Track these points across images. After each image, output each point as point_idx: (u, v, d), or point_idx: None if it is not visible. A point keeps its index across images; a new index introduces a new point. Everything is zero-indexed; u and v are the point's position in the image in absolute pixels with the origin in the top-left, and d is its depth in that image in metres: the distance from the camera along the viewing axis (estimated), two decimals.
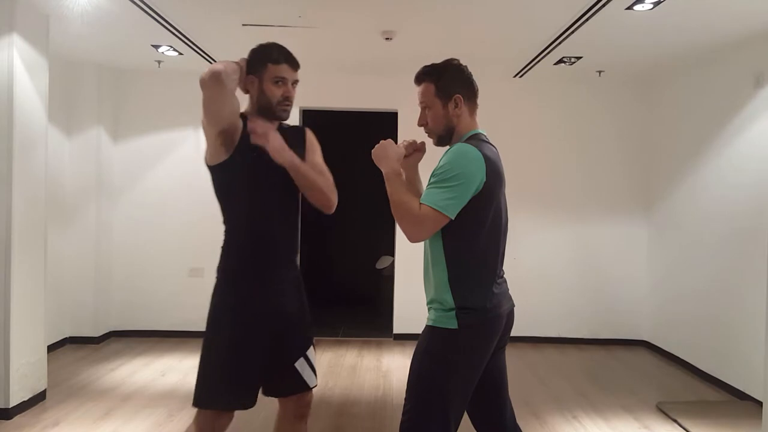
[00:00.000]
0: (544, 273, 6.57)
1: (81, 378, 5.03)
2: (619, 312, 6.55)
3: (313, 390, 2.58)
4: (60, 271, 5.87)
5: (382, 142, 2.31)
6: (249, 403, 2.42)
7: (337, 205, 2.64)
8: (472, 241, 2.20)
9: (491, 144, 2.31)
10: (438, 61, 2.43)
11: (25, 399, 4.28)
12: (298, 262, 2.64)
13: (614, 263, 6.57)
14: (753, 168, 4.73)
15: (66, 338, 6.10)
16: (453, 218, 2.11)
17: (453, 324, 2.17)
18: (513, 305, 2.38)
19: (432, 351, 2.21)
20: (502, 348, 2.41)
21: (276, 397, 2.56)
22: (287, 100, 2.44)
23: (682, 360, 5.70)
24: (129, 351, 5.91)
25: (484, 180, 2.13)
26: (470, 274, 2.21)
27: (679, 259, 5.86)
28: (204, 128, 2.38)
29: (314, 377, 2.56)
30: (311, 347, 2.57)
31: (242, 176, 2.41)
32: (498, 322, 2.24)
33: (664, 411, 4.41)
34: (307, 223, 7.47)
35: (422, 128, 2.39)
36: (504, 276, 2.36)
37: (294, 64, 2.46)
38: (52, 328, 5.49)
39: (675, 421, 4.23)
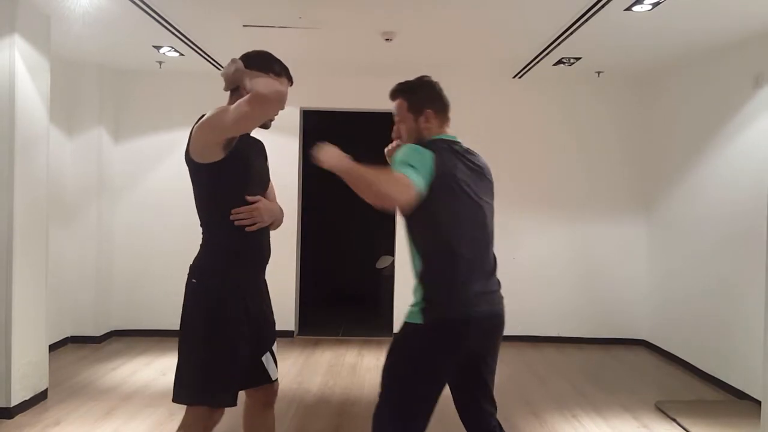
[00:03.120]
0: (544, 272, 6.59)
1: (82, 377, 5.05)
2: (618, 311, 6.57)
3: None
4: (61, 270, 5.89)
5: (321, 146, 2.25)
6: (232, 399, 2.46)
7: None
8: (436, 237, 2.26)
9: (457, 145, 2.37)
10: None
11: (27, 398, 4.29)
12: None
13: (614, 263, 6.59)
14: (752, 168, 4.74)
15: (67, 338, 6.13)
16: (422, 189, 2.15)
17: (419, 319, 2.23)
18: (498, 310, 2.35)
19: (398, 345, 2.31)
20: (486, 355, 2.38)
21: (243, 388, 2.60)
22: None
23: (682, 359, 5.71)
24: (130, 350, 5.94)
25: (433, 169, 2.20)
26: (438, 272, 2.25)
27: (678, 258, 5.88)
28: (213, 129, 2.31)
29: (276, 370, 2.64)
30: (275, 342, 2.66)
31: (237, 176, 2.42)
32: (468, 324, 2.24)
33: (663, 410, 4.43)
34: (308, 223, 7.52)
35: (397, 141, 2.50)
36: (493, 279, 2.36)
37: (291, 80, 2.55)
38: (53, 327, 5.50)
39: (674, 420, 4.25)
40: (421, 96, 2.42)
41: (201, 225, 2.52)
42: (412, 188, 2.12)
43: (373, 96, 6.86)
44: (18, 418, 4.13)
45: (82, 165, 6.18)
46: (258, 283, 2.60)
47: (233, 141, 2.37)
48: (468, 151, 2.41)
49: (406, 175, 2.13)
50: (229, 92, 2.49)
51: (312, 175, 7.50)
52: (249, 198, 2.45)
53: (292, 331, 6.61)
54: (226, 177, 2.41)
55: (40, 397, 4.45)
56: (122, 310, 6.50)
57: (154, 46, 5.40)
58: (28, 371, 4.33)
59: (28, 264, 4.31)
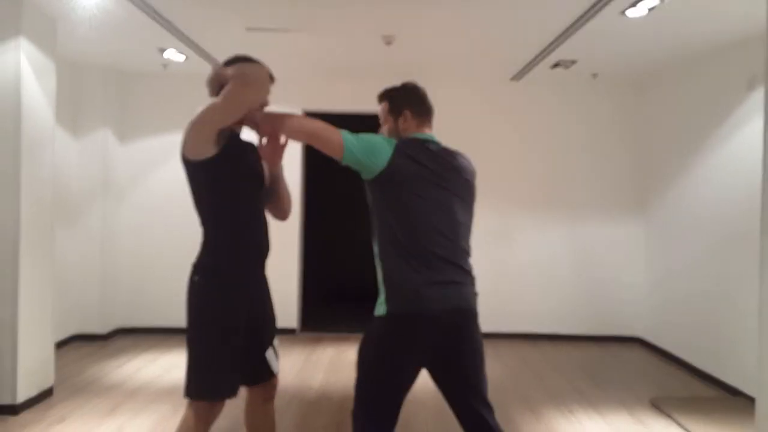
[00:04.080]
0: (542, 271, 6.66)
1: (88, 374, 5.11)
2: (614, 309, 6.64)
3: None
4: (67, 269, 5.96)
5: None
6: (237, 391, 2.55)
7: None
8: (389, 226, 2.34)
9: (431, 144, 2.46)
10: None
11: (32, 395, 4.34)
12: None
13: (610, 262, 6.65)
14: (746, 169, 4.79)
15: (73, 335, 6.19)
16: (343, 156, 2.31)
17: (382, 311, 2.33)
18: (459, 305, 2.36)
19: (364, 337, 2.41)
20: (456, 352, 2.38)
21: (248, 385, 2.70)
22: (262, 108, 2.60)
23: (677, 357, 5.78)
24: (135, 347, 6.00)
25: (390, 158, 2.31)
26: (390, 262, 2.34)
27: (674, 258, 5.94)
28: (204, 123, 2.40)
29: (277, 365, 2.73)
30: (275, 337, 2.74)
31: (230, 173, 2.49)
32: (419, 319, 2.29)
33: (659, 406, 4.49)
34: (310, 221, 7.58)
35: None
36: (459, 272, 2.37)
37: (273, 79, 2.61)
38: (59, 325, 5.54)
39: (669, 416, 4.31)
40: (402, 99, 2.55)
41: (200, 224, 2.59)
42: (338, 136, 2.33)
43: (373, 98, 6.91)
44: (24, 414, 4.18)
45: (87, 166, 6.26)
46: (258, 278, 2.66)
47: (224, 135, 2.45)
48: (445, 150, 2.48)
49: (340, 132, 2.33)
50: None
51: (314, 174, 7.59)
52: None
53: (294, 329, 6.68)
54: (219, 174, 2.48)
55: (46, 394, 4.49)
56: (127, 307, 6.57)
57: (158, 49, 5.46)
58: (34, 368, 4.37)
59: (34, 263, 4.37)
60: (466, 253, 2.43)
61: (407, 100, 2.55)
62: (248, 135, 2.65)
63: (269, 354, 2.66)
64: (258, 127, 2.57)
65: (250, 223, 2.59)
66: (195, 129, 2.43)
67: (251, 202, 2.61)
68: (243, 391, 2.83)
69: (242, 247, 2.57)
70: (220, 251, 2.55)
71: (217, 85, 2.51)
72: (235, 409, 3.25)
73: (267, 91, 2.46)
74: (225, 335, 2.49)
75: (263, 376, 2.68)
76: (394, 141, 2.39)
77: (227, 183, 2.51)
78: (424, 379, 2.43)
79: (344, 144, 2.31)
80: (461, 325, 2.37)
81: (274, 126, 2.49)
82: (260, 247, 2.64)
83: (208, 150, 2.43)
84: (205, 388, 2.49)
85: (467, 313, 2.39)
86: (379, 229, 2.39)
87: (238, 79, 2.35)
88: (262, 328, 2.65)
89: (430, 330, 2.30)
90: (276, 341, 2.73)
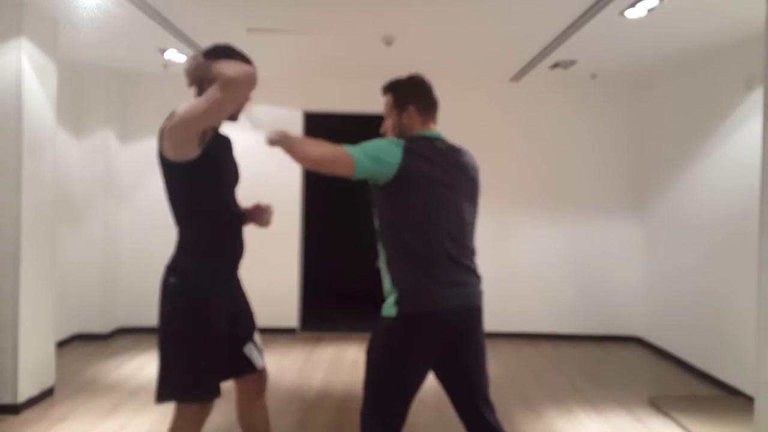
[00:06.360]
0: (541, 271, 6.68)
1: (89, 373, 5.13)
2: (613, 309, 6.66)
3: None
4: (69, 268, 5.98)
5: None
6: (219, 391, 2.53)
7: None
8: (399, 229, 2.33)
9: (438, 141, 2.46)
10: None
11: (34, 395, 4.35)
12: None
13: (609, 262, 6.68)
14: (743, 170, 4.80)
15: (74, 335, 6.21)
16: (355, 172, 2.28)
17: (392, 312, 2.32)
18: (466, 304, 2.39)
19: (373, 337, 2.41)
20: (462, 350, 2.40)
21: (229, 379, 2.66)
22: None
23: (675, 356, 5.80)
24: (136, 347, 6.01)
25: (401, 160, 2.29)
26: (400, 264, 2.33)
27: (671, 258, 5.96)
28: (188, 123, 2.33)
29: (261, 359, 2.71)
30: (256, 332, 2.72)
31: (213, 174, 2.47)
32: (430, 318, 2.30)
33: (657, 405, 4.51)
34: (311, 221, 7.59)
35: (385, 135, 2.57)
36: (466, 271, 2.39)
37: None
38: (60, 324, 5.55)
39: (668, 415, 4.33)
40: (407, 93, 2.52)
41: (176, 224, 2.55)
42: (346, 156, 2.28)
43: (374, 99, 6.91)
44: (25, 414, 4.19)
45: (89, 166, 6.28)
46: (233, 278, 2.66)
47: (207, 135, 2.41)
48: (451, 147, 2.48)
49: (346, 150, 2.29)
50: (194, 89, 2.52)
51: (314, 174, 7.60)
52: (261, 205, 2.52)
53: (294, 328, 6.69)
54: (200, 175, 2.44)
55: (47, 394, 4.51)
56: (128, 307, 6.59)
57: (159, 50, 5.47)
58: (35, 368, 4.39)
59: (35, 262, 4.38)
60: (472, 252, 2.45)
61: (412, 95, 2.52)
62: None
63: (248, 349, 2.64)
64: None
65: (229, 222, 2.57)
66: (179, 129, 2.35)
67: (229, 200, 2.59)
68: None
69: (220, 248, 2.55)
70: (195, 252, 2.51)
71: (196, 78, 2.44)
72: (231, 408, 3.27)
73: (253, 88, 2.35)
74: (205, 337, 2.46)
75: (243, 369, 2.65)
76: (401, 141, 2.36)
77: (209, 183, 2.49)
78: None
79: (354, 162, 2.28)
80: (467, 325, 2.39)
81: (283, 148, 2.39)
82: (235, 246, 2.62)
83: (192, 151, 2.38)
84: (195, 389, 2.46)
85: (474, 313, 2.40)
86: (387, 230, 2.38)
87: (224, 84, 2.24)
88: (239, 324, 2.63)
89: (439, 330, 2.32)
90: (257, 336, 2.71)
